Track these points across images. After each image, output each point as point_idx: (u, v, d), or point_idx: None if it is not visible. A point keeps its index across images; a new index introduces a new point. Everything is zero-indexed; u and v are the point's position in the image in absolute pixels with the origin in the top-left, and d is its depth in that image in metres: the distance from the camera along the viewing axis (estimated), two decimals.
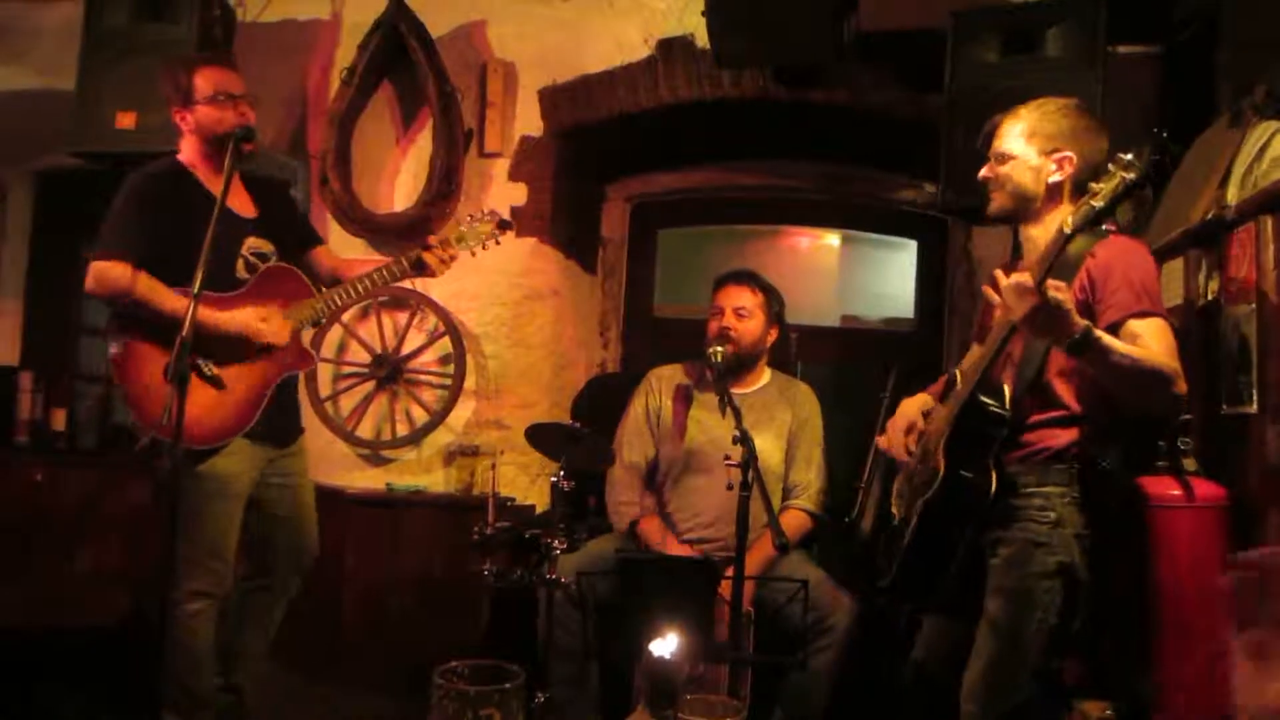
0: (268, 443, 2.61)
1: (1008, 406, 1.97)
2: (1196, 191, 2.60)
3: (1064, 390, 2.01)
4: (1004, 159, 2.08)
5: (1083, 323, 1.78)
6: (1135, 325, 1.88)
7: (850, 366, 4.06)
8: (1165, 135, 1.65)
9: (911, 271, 4.22)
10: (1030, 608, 1.96)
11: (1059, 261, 1.83)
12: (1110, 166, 1.70)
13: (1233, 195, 2.39)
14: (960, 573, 2.03)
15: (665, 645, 1.84)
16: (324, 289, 2.68)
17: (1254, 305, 2.20)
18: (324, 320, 2.68)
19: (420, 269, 2.66)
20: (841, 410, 3.43)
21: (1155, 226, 2.88)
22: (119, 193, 2.52)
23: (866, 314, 4.34)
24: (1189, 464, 2.20)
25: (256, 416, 2.52)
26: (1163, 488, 2.17)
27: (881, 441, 2.29)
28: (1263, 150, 2.32)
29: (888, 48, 3.29)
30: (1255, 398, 2.20)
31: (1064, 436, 2.00)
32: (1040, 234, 2.02)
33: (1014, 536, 2.00)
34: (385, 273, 2.64)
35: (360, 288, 2.63)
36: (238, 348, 2.50)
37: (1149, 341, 1.87)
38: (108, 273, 2.43)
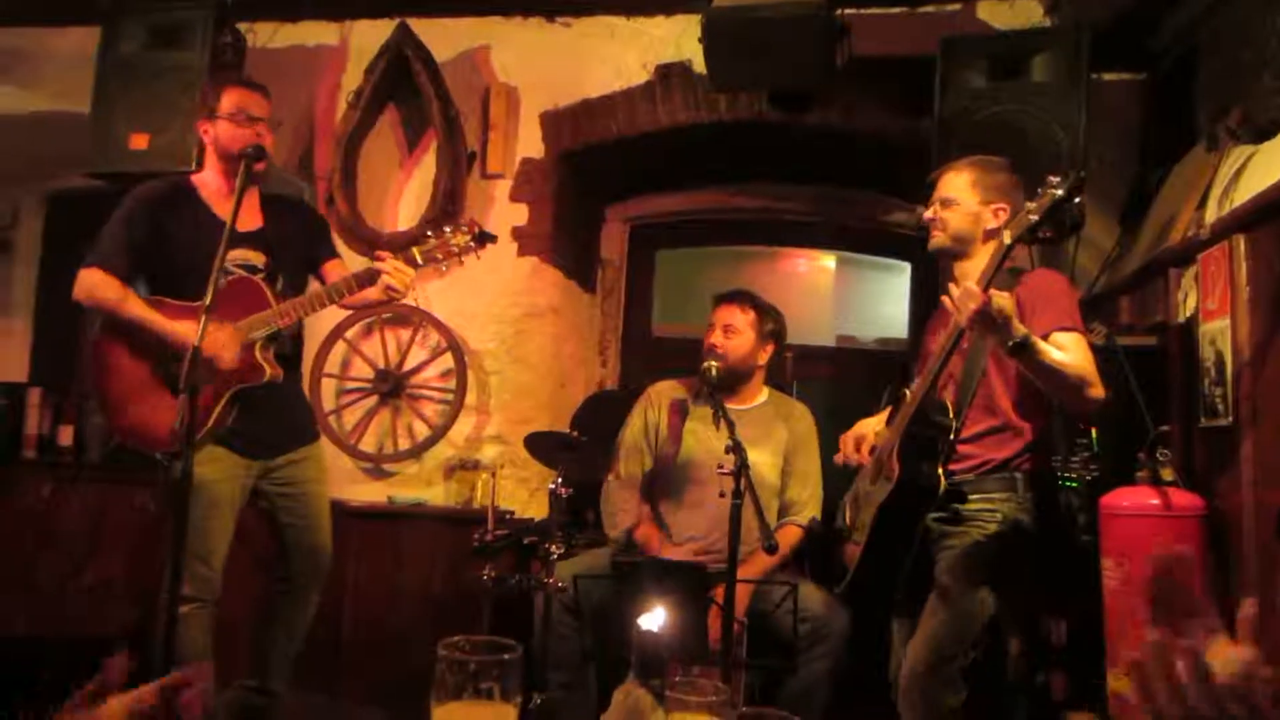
0: (250, 453, 2.64)
1: (950, 415, 2.20)
2: (1177, 213, 2.68)
3: (1005, 402, 2.23)
4: (949, 204, 2.35)
5: (1023, 328, 2.00)
6: (1060, 338, 2.11)
7: (845, 386, 4.12)
8: (1083, 173, 2.00)
9: (906, 293, 4.29)
10: (972, 587, 2.17)
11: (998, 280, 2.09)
12: (1040, 188, 2.01)
13: (1210, 216, 2.47)
14: (913, 575, 2.25)
15: (654, 619, 1.90)
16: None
17: (1229, 321, 2.28)
18: (284, 332, 2.69)
19: (370, 283, 2.58)
20: (836, 428, 3.47)
21: (1139, 247, 2.96)
22: (119, 205, 2.63)
23: (861, 334, 4.40)
24: (1167, 474, 2.27)
25: (209, 424, 2.53)
26: (1141, 498, 2.24)
27: (838, 458, 2.52)
28: (1239, 173, 2.40)
29: (880, 72, 3.37)
30: (1231, 411, 2.27)
31: (1007, 448, 2.23)
32: (973, 268, 2.25)
33: (961, 533, 2.22)
34: (340, 287, 2.60)
35: (315, 303, 2.61)
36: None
37: (1072, 352, 2.09)
38: (91, 280, 2.54)
